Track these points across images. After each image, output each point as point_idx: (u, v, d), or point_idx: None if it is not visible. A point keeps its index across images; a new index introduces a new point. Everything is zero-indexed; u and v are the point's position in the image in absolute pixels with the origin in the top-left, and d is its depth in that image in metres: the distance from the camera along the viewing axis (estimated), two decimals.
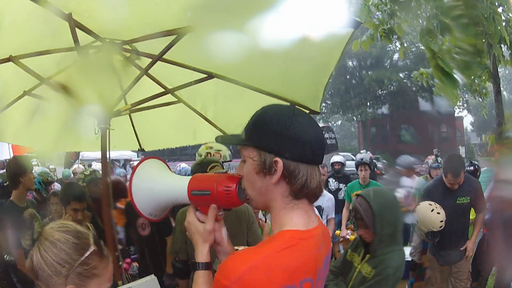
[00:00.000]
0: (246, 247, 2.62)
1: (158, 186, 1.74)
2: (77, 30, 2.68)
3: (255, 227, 3.52)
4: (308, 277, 1.35)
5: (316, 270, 1.40)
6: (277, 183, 1.36)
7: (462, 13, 5.07)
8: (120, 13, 2.54)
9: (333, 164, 8.50)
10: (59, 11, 2.43)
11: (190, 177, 1.67)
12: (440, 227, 4.47)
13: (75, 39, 2.69)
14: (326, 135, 18.58)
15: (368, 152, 9.44)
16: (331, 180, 8.17)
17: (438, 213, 4.48)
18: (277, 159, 1.33)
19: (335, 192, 7.73)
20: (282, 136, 1.34)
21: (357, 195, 2.85)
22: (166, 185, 1.73)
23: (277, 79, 3.40)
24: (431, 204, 4.56)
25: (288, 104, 1.33)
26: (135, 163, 10.16)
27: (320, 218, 6.06)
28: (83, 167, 8.96)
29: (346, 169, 8.63)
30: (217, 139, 1.74)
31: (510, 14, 5.69)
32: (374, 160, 6.87)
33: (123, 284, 3.10)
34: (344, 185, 7.79)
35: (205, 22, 2.60)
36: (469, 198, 4.80)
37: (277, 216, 1.41)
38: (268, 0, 2.37)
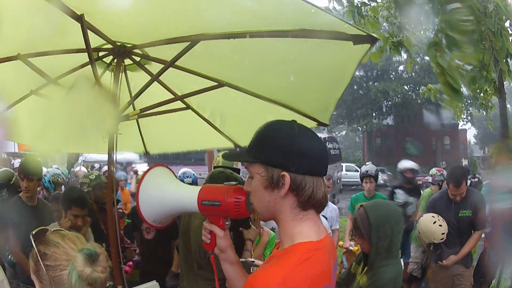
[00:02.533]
0: (252, 259, 2.65)
1: (167, 194, 1.79)
2: (88, 31, 2.68)
3: None
4: (326, 284, 1.42)
5: (331, 277, 1.47)
6: (285, 196, 1.41)
7: (470, 28, 5.09)
8: (132, 17, 2.55)
9: (402, 172, 7.34)
10: (71, 11, 2.43)
11: (199, 187, 1.73)
12: (441, 239, 4.52)
13: (86, 41, 2.70)
14: (330, 145, 18.58)
15: (370, 163, 9.09)
16: (398, 192, 7.16)
17: (440, 225, 4.53)
18: (284, 173, 1.39)
19: (403, 206, 6.76)
20: (288, 151, 1.40)
21: (360, 206, 2.86)
22: (176, 194, 1.79)
23: (287, 90, 3.40)
24: (433, 217, 4.62)
25: (290, 120, 1.39)
26: (137, 166, 10.19)
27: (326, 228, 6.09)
28: (85, 169, 8.96)
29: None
30: (224, 156, 1.79)
31: None
32: (379, 172, 6.73)
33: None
34: (415, 198, 7.06)
35: (218, 32, 2.60)
36: (471, 212, 4.82)
37: (287, 227, 1.44)
38: (281, 12, 2.36)
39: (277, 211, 1.45)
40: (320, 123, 3.69)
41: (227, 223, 1.69)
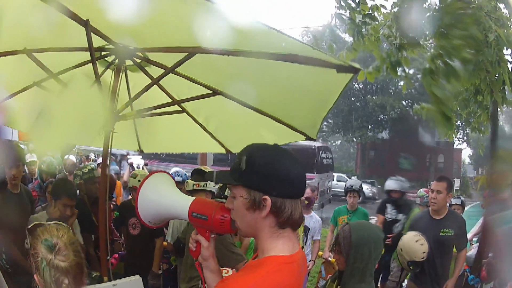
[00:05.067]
0: (227, 268, 2.78)
1: (163, 200, 1.95)
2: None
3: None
4: None
5: None
6: (266, 216, 1.53)
7: (468, 58, 5.13)
8: (135, 23, 2.64)
9: (388, 192, 7.19)
10: (78, 17, 2.55)
11: (193, 198, 1.87)
12: (422, 258, 4.56)
13: (90, 44, 2.81)
14: (323, 155, 18.53)
15: (356, 178, 9.01)
16: (389, 207, 7.05)
17: (422, 244, 4.56)
18: (266, 197, 1.50)
19: (390, 223, 6.83)
20: (269, 177, 1.51)
21: (347, 223, 2.91)
22: (171, 201, 1.94)
23: (279, 104, 3.54)
24: (416, 235, 4.65)
25: (272, 144, 1.53)
26: (132, 158, 10.22)
27: (306, 238, 6.10)
28: (74, 158, 8.99)
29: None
30: (208, 177, 1.93)
31: None
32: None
33: (109, 280, 3.18)
34: (404, 216, 6.81)
35: (214, 47, 2.71)
36: (452, 231, 4.84)
37: (264, 243, 1.57)
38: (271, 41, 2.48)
39: (258, 229, 1.57)
40: (308, 137, 3.84)
41: (213, 235, 1.81)
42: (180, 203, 1.88)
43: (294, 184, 1.56)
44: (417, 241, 4.60)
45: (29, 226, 2.02)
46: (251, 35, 2.47)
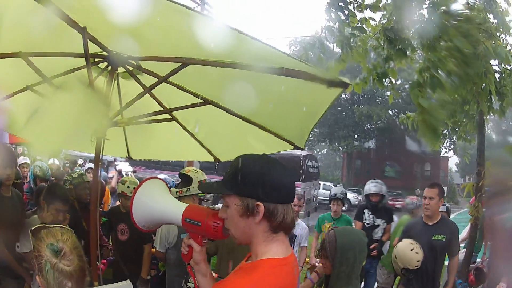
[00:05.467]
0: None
1: (158, 206, 2.02)
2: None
3: None
4: None
5: None
6: (259, 222, 1.60)
7: (454, 69, 5.19)
8: (129, 32, 2.70)
9: (368, 195, 7.13)
10: (76, 24, 2.59)
11: (186, 205, 1.94)
12: (416, 266, 4.56)
13: (86, 50, 2.86)
14: (309, 163, 18.56)
15: (340, 186, 8.98)
16: (366, 212, 7.01)
17: (417, 253, 4.57)
18: (259, 203, 1.57)
19: (369, 229, 6.71)
20: (261, 184, 1.58)
21: (332, 229, 2.99)
22: (165, 206, 2.01)
23: (268, 115, 3.61)
24: (412, 243, 4.66)
25: (262, 153, 1.62)
26: (120, 164, 10.22)
27: (293, 245, 6.17)
28: (58, 163, 8.96)
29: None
30: (201, 188, 2.05)
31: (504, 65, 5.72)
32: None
33: (99, 285, 3.20)
34: (383, 221, 6.88)
35: (206, 58, 2.79)
36: (445, 236, 4.86)
37: (258, 247, 1.63)
38: (271, 51, 2.54)
39: (252, 235, 1.63)
40: (296, 147, 3.93)
41: (205, 240, 1.87)
42: (173, 209, 1.95)
43: (285, 189, 1.63)
44: (412, 249, 4.62)
45: (32, 228, 2.03)
46: (245, 48, 2.52)
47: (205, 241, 1.88)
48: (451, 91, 5.31)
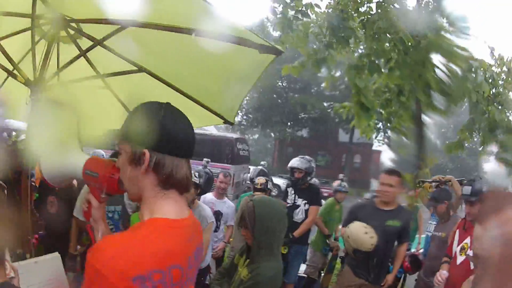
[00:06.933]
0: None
1: (65, 159, 1.93)
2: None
3: None
4: (177, 264, 1.46)
5: (187, 259, 1.52)
6: (146, 173, 1.50)
7: (393, 56, 5.35)
8: None
9: (291, 169, 6.61)
10: None
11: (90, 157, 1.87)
12: (369, 249, 4.60)
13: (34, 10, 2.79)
14: (240, 146, 18.60)
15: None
16: (290, 191, 6.68)
17: (372, 237, 4.60)
18: (145, 151, 1.47)
19: (289, 209, 6.15)
20: (152, 131, 1.48)
21: (250, 200, 2.99)
22: (71, 158, 1.92)
23: (199, 86, 3.58)
24: (365, 227, 4.67)
25: (165, 102, 1.54)
26: None
27: (219, 223, 6.24)
28: None
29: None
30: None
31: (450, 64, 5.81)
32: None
33: (31, 257, 3.12)
34: (305, 201, 6.46)
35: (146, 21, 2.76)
36: (399, 223, 4.85)
37: (148, 204, 1.53)
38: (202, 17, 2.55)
39: (140, 188, 1.53)
40: (226, 121, 3.91)
41: (103, 196, 1.78)
42: (80, 161, 1.85)
43: (176, 141, 1.52)
44: (366, 233, 4.64)
45: None
46: (183, 10, 2.52)
47: (103, 196, 1.78)
48: (388, 76, 5.51)
